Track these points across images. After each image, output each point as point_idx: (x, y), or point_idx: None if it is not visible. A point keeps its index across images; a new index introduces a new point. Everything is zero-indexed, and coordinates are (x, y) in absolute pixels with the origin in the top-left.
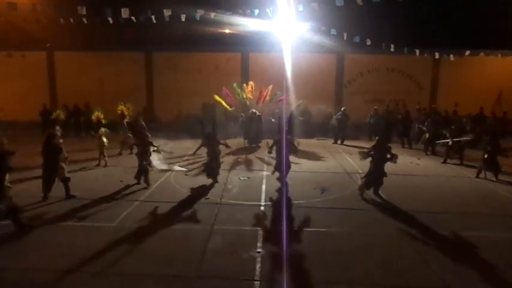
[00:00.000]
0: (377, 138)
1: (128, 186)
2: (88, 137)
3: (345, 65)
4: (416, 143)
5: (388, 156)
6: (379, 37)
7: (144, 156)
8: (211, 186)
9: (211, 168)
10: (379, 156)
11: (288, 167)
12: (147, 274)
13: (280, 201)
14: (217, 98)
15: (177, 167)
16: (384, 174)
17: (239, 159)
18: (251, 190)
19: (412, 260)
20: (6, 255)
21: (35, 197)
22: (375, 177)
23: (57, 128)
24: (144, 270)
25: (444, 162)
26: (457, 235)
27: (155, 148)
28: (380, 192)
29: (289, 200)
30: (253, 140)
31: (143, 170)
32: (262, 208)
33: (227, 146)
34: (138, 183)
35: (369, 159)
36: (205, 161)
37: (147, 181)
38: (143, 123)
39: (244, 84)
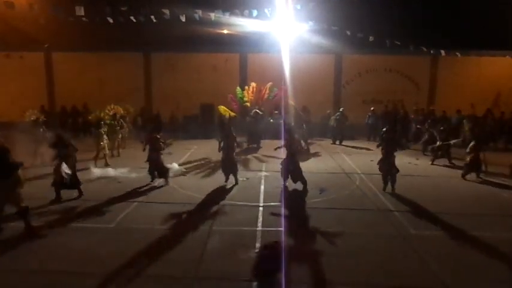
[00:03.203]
0: (384, 130)
1: (126, 187)
2: (86, 137)
3: (343, 65)
4: (414, 143)
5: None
6: (378, 36)
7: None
8: (210, 186)
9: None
10: (388, 149)
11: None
12: (146, 275)
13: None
14: (222, 108)
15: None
16: (395, 169)
17: (238, 160)
18: (250, 191)
19: (411, 261)
20: (5, 257)
21: (32, 197)
22: (386, 170)
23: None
24: (143, 271)
25: (432, 163)
26: (456, 235)
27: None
28: (378, 192)
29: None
30: (256, 140)
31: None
32: (261, 209)
33: (219, 150)
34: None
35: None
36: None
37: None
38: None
39: (246, 87)
